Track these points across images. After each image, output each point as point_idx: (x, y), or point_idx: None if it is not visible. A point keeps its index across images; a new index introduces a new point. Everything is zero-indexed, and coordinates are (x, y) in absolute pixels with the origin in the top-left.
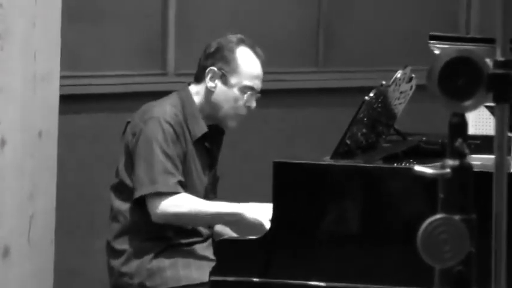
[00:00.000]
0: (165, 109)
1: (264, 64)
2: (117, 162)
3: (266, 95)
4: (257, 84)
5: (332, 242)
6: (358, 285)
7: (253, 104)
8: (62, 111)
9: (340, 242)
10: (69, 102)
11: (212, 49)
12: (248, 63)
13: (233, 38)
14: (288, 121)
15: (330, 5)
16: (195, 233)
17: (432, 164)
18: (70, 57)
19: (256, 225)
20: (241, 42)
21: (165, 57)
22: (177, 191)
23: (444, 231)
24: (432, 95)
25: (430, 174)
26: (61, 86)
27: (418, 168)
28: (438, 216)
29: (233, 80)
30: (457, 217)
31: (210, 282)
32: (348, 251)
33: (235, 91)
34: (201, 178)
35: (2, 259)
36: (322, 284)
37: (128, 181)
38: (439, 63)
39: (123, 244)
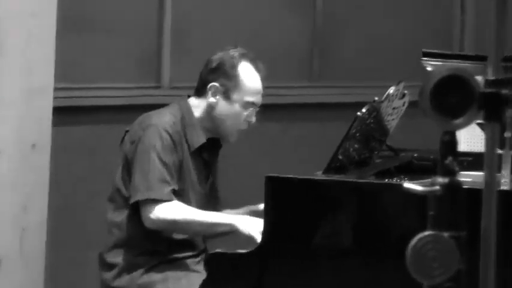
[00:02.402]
0: (165, 118)
1: (263, 79)
2: (114, 173)
3: (260, 109)
4: (258, 99)
5: (323, 257)
6: None
7: (254, 119)
8: (57, 123)
9: (331, 257)
10: (64, 114)
11: (214, 64)
12: (250, 79)
13: (235, 53)
14: (281, 135)
15: (325, 20)
16: (189, 246)
17: (422, 181)
18: (65, 69)
19: (248, 238)
20: (243, 57)
21: (160, 71)
22: (171, 199)
23: (433, 248)
24: (424, 112)
25: (420, 191)
26: (56, 98)
27: (407, 185)
28: (427, 233)
29: (235, 96)
30: (446, 234)
31: None
32: (339, 265)
33: (237, 107)
34: (196, 189)
35: None
36: None
37: (123, 189)
38: (431, 81)
39: (115, 257)
